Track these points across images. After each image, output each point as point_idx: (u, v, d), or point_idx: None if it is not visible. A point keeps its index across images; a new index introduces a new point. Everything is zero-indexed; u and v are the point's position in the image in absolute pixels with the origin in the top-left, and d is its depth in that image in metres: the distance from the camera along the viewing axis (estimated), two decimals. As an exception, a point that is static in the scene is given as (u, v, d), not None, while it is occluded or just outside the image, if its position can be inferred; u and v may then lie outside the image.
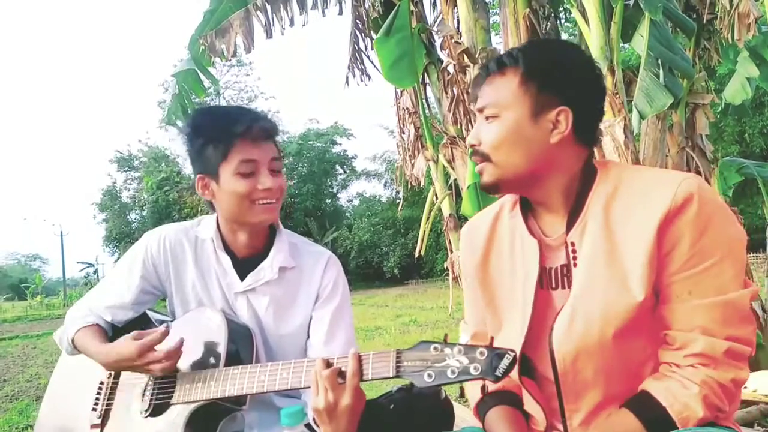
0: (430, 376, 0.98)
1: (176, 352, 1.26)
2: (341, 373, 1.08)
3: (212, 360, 1.29)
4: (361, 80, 4.14)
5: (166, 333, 1.26)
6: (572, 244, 1.04)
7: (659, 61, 2.74)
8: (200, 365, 1.30)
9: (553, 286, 1.08)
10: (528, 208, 1.14)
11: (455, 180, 3.59)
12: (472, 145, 1.09)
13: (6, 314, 20.04)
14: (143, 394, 1.34)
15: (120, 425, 1.35)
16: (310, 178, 27.80)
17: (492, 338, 1.08)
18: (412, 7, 3.50)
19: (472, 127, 3.11)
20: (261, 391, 1.20)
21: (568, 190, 1.07)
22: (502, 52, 3.10)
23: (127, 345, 1.26)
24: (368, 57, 4.08)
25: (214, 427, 1.31)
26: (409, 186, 4.08)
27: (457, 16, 3.47)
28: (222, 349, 1.30)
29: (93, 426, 1.36)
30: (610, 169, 1.07)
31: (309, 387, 1.12)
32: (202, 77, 4.10)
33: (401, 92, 3.94)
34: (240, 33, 3.59)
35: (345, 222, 28.18)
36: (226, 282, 1.44)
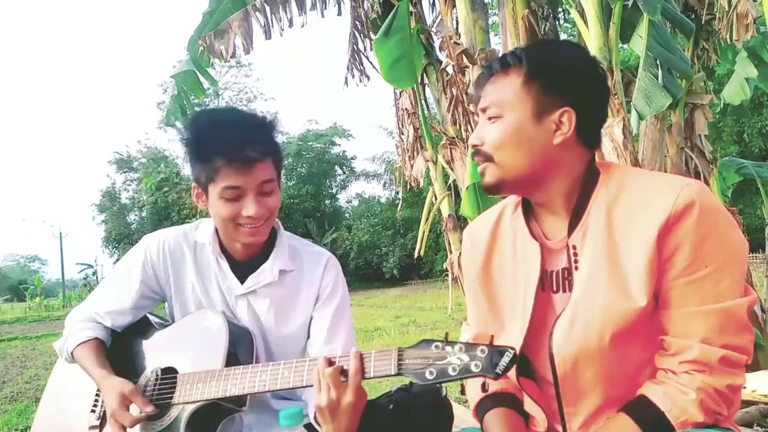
0: (431, 373, 0.98)
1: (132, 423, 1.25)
2: (343, 371, 1.08)
3: (212, 361, 1.29)
4: (360, 81, 4.15)
5: (147, 414, 1.26)
6: (574, 247, 1.04)
7: (658, 62, 2.75)
8: (200, 366, 1.30)
9: (554, 289, 1.08)
10: (530, 210, 1.14)
11: (454, 180, 3.59)
12: (475, 146, 1.09)
13: (5, 315, 20.01)
14: (143, 395, 1.33)
15: (119, 426, 1.35)
16: (310, 179, 27.78)
17: (492, 336, 1.09)
18: (411, 8, 3.50)
19: (471, 127, 3.14)
20: (263, 390, 1.20)
21: (570, 193, 1.06)
22: (501, 53, 3.13)
23: (111, 394, 1.26)
24: (367, 58, 4.09)
25: (213, 428, 1.31)
26: (408, 187, 4.08)
27: (456, 17, 3.48)
28: (222, 351, 1.30)
29: (92, 427, 1.36)
30: (613, 172, 1.06)
31: (311, 386, 1.12)
32: (201, 78, 4.10)
33: (400, 93, 3.95)
34: (239, 34, 3.59)
35: (344, 223, 28.14)
36: (225, 285, 1.44)
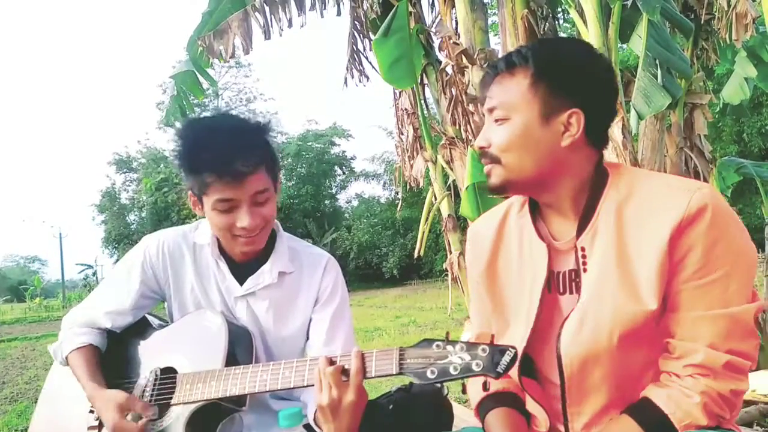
0: (432, 372, 0.99)
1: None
2: (345, 371, 1.09)
3: (212, 361, 1.29)
4: (360, 81, 4.14)
5: (149, 417, 1.25)
6: (582, 249, 1.03)
7: (657, 62, 2.75)
8: (200, 366, 1.30)
9: (561, 290, 1.07)
10: (536, 210, 1.13)
11: (454, 180, 3.59)
12: (481, 148, 1.07)
13: (5, 316, 20.02)
14: (143, 395, 1.33)
15: (119, 427, 1.34)
16: (309, 179, 27.79)
17: (493, 336, 1.08)
18: (410, 8, 3.49)
19: (471, 127, 3.14)
20: (263, 390, 1.20)
21: (579, 194, 1.05)
22: (500, 53, 3.13)
23: (108, 407, 1.25)
24: (367, 58, 4.08)
25: (213, 428, 1.31)
26: (407, 187, 4.07)
27: (456, 17, 3.47)
28: (222, 351, 1.30)
29: (90, 428, 1.36)
30: (622, 173, 1.05)
31: (311, 385, 1.12)
32: (201, 79, 4.09)
33: (400, 93, 3.94)
34: (238, 34, 3.58)
35: (344, 223, 28.13)
36: (224, 286, 1.44)
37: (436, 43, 3.58)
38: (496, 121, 1.04)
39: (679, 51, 2.94)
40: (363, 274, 25.24)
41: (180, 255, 1.45)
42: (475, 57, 3.16)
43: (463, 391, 3.32)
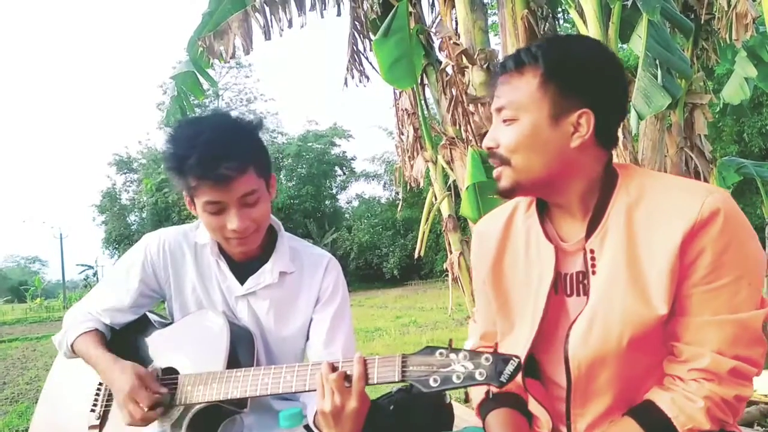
0: (435, 380, 0.98)
1: (156, 405, 1.25)
2: (347, 377, 1.08)
3: (213, 362, 1.29)
4: (360, 81, 4.14)
5: (165, 394, 1.26)
6: (591, 251, 1.01)
7: (657, 62, 2.74)
8: (202, 367, 1.30)
9: (568, 292, 1.06)
10: (544, 210, 1.11)
11: (454, 181, 3.59)
12: (489, 148, 1.05)
13: (6, 317, 20.04)
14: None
15: (119, 426, 1.34)
16: (310, 180, 27.80)
17: (496, 344, 1.08)
18: (410, 8, 3.49)
19: (471, 127, 3.14)
20: (264, 394, 1.19)
21: (587, 194, 1.04)
22: (500, 53, 3.13)
23: (126, 375, 1.26)
24: (367, 58, 4.08)
25: (214, 428, 1.32)
26: (408, 187, 4.07)
27: (456, 17, 3.47)
28: (224, 352, 1.30)
29: (91, 427, 1.36)
30: (633, 175, 1.03)
31: (313, 390, 1.12)
32: (201, 79, 4.09)
33: (400, 93, 3.94)
34: (238, 35, 3.59)
35: (344, 223, 28.15)
36: (225, 285, 1.44)
37: (436, 43, 3.58)
38: (504, 121, 1.02)
39: (679, 51, 2.94)
40: (363, 274, 25.25)
41: (181, 254, 1.45)
42: (475, 57, 3.16)
43: (466, 400, 3.32)
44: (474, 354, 0.97)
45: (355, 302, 13.86)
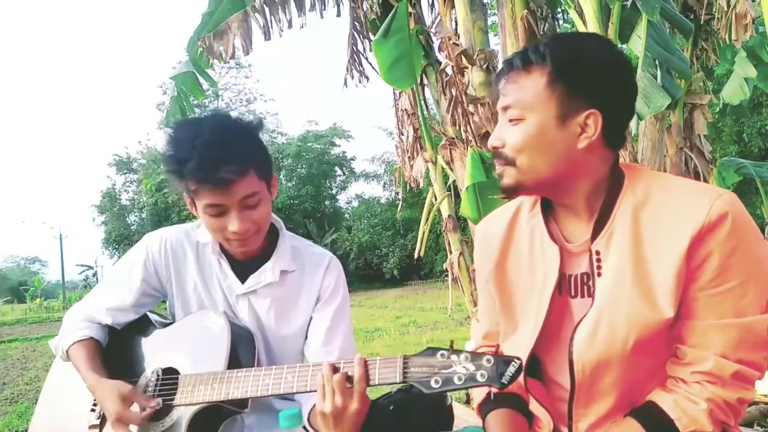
0: (437, 382, 0.98)
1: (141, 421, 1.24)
2: (348, 378, 1.08)
3: (215, 363, 1.29)
4: (360, 82, 4.14)
5: (154, 408, 1.26)
6: (597, 253, 1.00)
7: (657, 62, 2.75)
8: (202, 367, 1.30)
9: (573, 294, 1.05)
10: (548, 210, 1.10)
11: (454, 181, 3.59)
12: (495, 147, 1.04)
13: (5, 317, 20.03)
14: (144, 394, 1.33)
15: (120, 427, 1.35)
16: (309, 180, 27.80)
17: (498, 345, 1.08)
18: (410, 9, 3.49)
19: (471, 128, 3.14)
20: (265, 395, 1.19)
21: (593, 195, 1.03)
22: (500, 54, 3.13)
23: (110, 397, 1.25)
24: (366, 58, 4.08)
25: (215, 429, 1.31)
26: (408, 187, 4.07)
27: (455, 18, 3.47)
28: (225, 353, 1.29)
29: (92, 427, 1.36)
30: (639, 176, 1.02)
31: (314, 391, 1.12)
32: (201, 79, 4.09)
33: (399, 93, 3.94)
34: (238, 35, 3.59)
35: (344, 223, 28.14)
36: (226, 284, 1.44)
37: (436, 43, 3.58)
38: (511, 120, 1.01)
39: (678, 51, 2.94)
40: (363, 274, 25.24)
41: (183, 253, 1.45)
42: (474, 57, 3.16)
43: (467, 401, 3.31)
44: (475, 355, 0.98)
45: (355, 302, 13.86)
